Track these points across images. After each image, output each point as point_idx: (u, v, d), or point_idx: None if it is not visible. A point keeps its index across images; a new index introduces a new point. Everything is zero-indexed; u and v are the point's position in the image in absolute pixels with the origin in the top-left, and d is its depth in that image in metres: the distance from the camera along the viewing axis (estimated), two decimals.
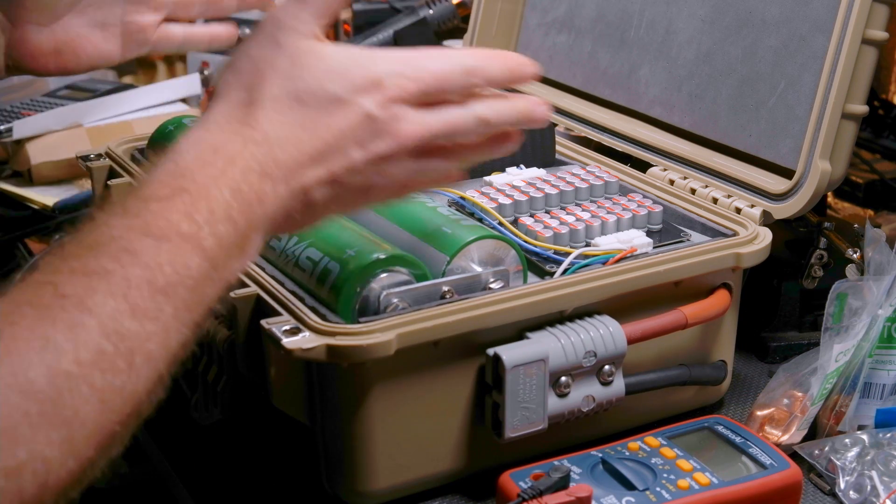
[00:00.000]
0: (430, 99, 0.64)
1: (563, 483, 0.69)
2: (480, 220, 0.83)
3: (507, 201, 0.85)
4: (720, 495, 0.70)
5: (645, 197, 0.88)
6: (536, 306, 0.74)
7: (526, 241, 0.81)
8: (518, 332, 0.74)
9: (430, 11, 1.48)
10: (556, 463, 0.72)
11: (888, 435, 0.78)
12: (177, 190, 0.57)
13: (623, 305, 0.77)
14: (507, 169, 0.92)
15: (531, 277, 0.79)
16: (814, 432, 0.82)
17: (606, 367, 0.75)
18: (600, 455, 0.73)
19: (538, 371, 0.72)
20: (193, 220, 0.57)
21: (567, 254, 0.79)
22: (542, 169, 0.93)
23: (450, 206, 0.85)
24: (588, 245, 0.82)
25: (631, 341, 0.76)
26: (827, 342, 0.81)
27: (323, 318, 0.71)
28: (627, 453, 0.74)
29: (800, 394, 0.80)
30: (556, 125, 1.00)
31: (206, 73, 1.49)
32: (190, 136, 0.61)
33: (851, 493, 0.76)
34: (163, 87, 1.43)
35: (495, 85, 0.66)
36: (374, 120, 0.62)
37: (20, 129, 1.29)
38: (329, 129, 0.62)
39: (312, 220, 0.65)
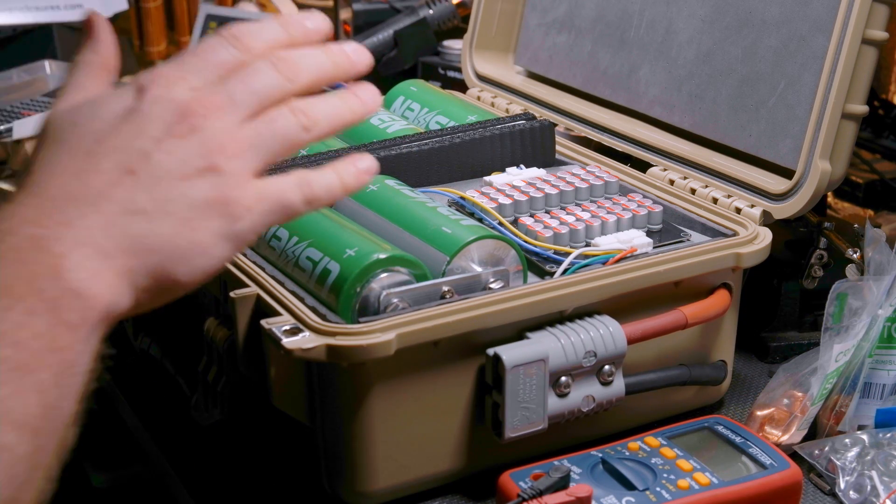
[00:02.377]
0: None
1: (563, 483, 0.69)
2: (480, 220, 0.83)
3: (507, 201, 0.85)
4: (720, 495, 0.70)
5: (645, 197, 0.88)
6: (536, 306, 0.74)
7: (526, 241, 0.81)
8: (518, 332, 0.74)
9: (430, 11, 1.48)
10: (556, 463, 0.72)
11: (888, 435, 0.78)
12: None
13: (623, 305, 0.77)
14: (507, 169, 0.92)
15: (531, 277, 0.79)
16: (814, 432, 0.82)
17: (606, 367, 0.75)
18: (600, 455, 0.73)
19: (538, 371, 0.72)
20: None
21: (567, 254, 0.79)
22: (542, 169, 0.93)
23: (450, 206, 0.85)
24: (588, 245, 0.82)
25: (631, 341, 0.76)
26: (827, 342, 0.81)
27: (323, 318, 0.71)
28: (627, 453, 0.74)
29: (800, 394, 0.80)
30: (556, 125, 1.00)
31: None
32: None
33: (851, 493, 0.76)
34: None
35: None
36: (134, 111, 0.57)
37: (20, 129, 1.29)
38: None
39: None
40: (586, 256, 0.80)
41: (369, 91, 0.63)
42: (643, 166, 0.97)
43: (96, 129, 0.57)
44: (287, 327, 0.69)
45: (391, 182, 0.85)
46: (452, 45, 1.45)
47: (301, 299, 0.74)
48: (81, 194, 0.55)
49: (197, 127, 0.57)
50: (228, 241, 0.58)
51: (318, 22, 0.63)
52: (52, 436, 0.52)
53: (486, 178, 0.91)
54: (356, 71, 0.63)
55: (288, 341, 0.68)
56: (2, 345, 0.51)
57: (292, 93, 0.61)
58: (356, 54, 0.63)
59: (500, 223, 0.83)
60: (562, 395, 0.74)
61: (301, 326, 0.70)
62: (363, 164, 0.64)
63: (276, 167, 0.61)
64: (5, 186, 1.28)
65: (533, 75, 1.16)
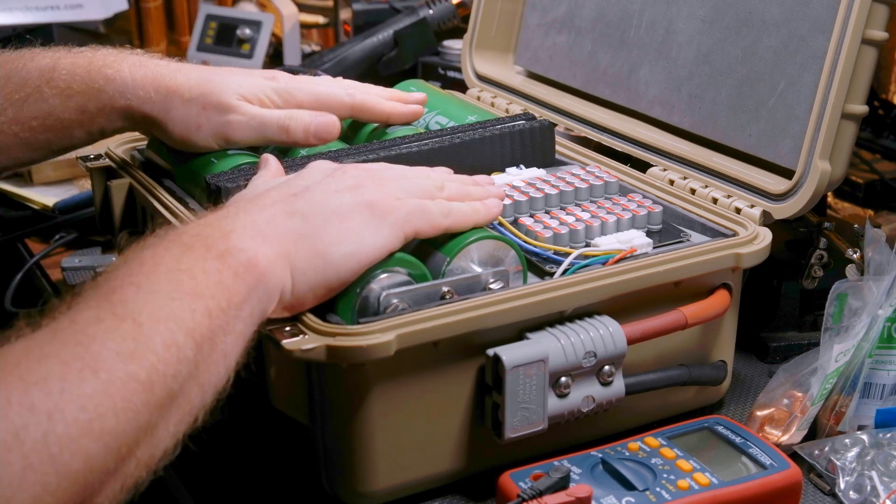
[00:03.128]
0: None
1: (563, 483, 0.69)
2: None
3: (507, 201, 0.85)
4: (720, 495, 0.70)
5: (645, 197, 0.88)
6: (536, 307, 0.74)
7: (526, 242, 0.81)
8: (518, 332, 0.74)
9: (430, 11, 1.48)
10: (556, 463, 0.72)
11: (888, 435, 0.78)
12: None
13: (623, 306, 0.77)
14: (507, 169, 0.92)
15: (531, 278, 0.79)
16: (814, 432, 0.82)
17: (606, 367, 0.75)
18: (600, 455, 0.73)
19: (538, 371, 0.72)
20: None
21: (567, 254, 0.79)
22: (541, 169, 0.93)
23: None
24: (588, 245, 0.82)
25: (631, 341, 0.76)
26: (827, 342, 0.81)
27: (323, 318, 0.71)
28: (627, 453, 0.74)
29: (800, 394, 0.80)
30: (556, 125, 1.00)
31: None
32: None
33: (851, 493, 0.76)
34: None
35: None
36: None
37: None
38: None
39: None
40: (586, 257, 0.80)
41: (496, 205, 0.79)
42: (643, 166, 0.97)
43: (266, 186, 0.76)
44: (287, 328, 0.69)
45: None
46: (452, 45, 1.45)
47: None
48: (249, 206, 0.71)
49: (347, 175, 0.75)
50: (378, 230, 0.72)
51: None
52: (213, 359, 0.62)
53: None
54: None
55: (288, 342, 0.68)
56: (181, 275, 0.62)
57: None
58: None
59: (500, 223, 0.83)
60: (562, 396, 0.74)
61: (301, 327, 0.70)
62: (493, 202, 0.79)
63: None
64: (4, 186, 1.28)
65: (533, 75, 1.16)
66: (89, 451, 0.54)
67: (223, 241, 0.66)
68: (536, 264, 0.80)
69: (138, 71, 0.90)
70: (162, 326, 0.59)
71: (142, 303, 0.60)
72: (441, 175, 0.80)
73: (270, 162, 0.82)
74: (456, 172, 0.91)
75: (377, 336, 0.69)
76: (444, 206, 0.75)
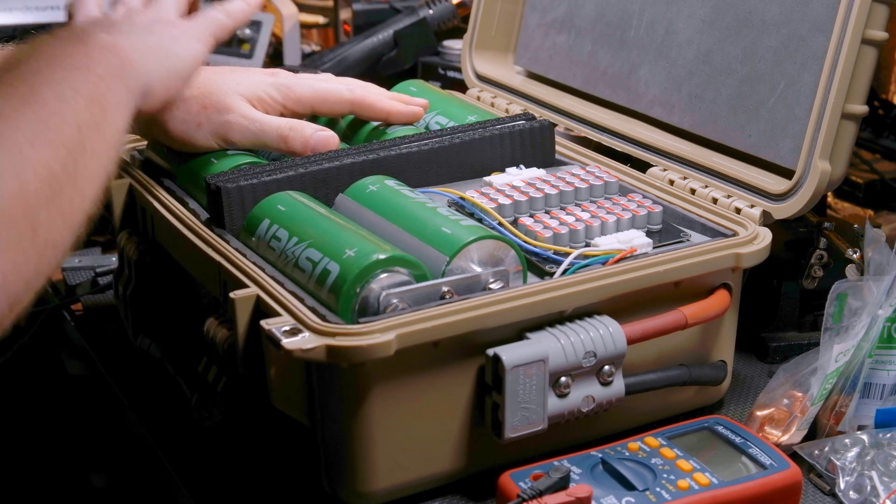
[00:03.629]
0: None
1: (562, 483, 0.69)
2: (480, 220, 0.83)
3: (507, 201, 0.85)
4: (720, 495, 0.70)
5: (645, 197, 0.88)
6: (536, 306, 0.74)
7: (526, 242, 0.81)
8: (518, 332, 0.74)
9: (430, 11, 1.48)
10: (556, 463, 0.72)
11: (888, 435, 0.78)
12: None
13: (623, 306, 0.77)
14: (507, 169, 0.92)
15: (531, 277, 0.79)
16: (814, 432, 0.82)
17: (606, 367, 0.75)
18: (600, 455, 0.73)
19: (538, 371, 0.72)
20: None
21: (567, 254, 0.79)
22: (541, 169, 0.93)
23: (450, 206, 0.85)
24: (588, 245, 0.82)
25: (631, 341, 0.76)
26: (827, 342, 0.81)
27: (323, 318, 0.71)
28: (627, 453, 0.74)
29: (800, 394, 0.80)
30: (556, 125, 1.00)
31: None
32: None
33: (851, 493, 0.76)
34: None
35: None
36: None
37: None
38: None
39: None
40: (586, 257, 0.80)
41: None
42: (643, 166, 0.97)
43: None
44: (287, 328, 0.69)
45: (391, 182, 0.85)
46: (452, 45, 1.45)
47: (301, 300, 0.74)
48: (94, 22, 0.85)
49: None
50: (195, 41, 0.85)
51: None
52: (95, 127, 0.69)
53: (486, 179, 0.91)
54: None
55: (288, 342, 0.68)
56: (40, 63, 0.68)
57: None
58: None
59: (500, 223, 0.83)
60: (562, 396, 0.74)
61: (301, 327, 0.70)
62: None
63: None
64: None
65: (533, 75, 1.16)
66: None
67: (84, 33, 0.73)
68: (536, 264, 0.80)
69: None
70: (53, 83, 0.66)
71: (33, 76, 0.66)
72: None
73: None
74: (456, 172, 0.92)
75: (377, 336, 0.69)
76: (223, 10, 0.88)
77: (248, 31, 1.59)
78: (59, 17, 1.58)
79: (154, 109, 0.80)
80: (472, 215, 0.84)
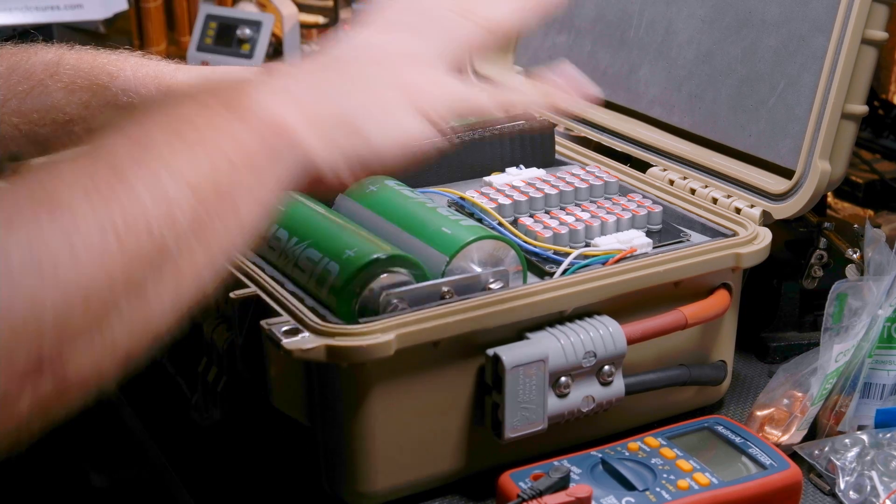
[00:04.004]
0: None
1: (562, 483, 0.69)
2: (480, 220, 0.83)
3: (507, 201, 0.85)
4: (720, 495, 0.70)
5: (645, 197, 0.88)
6: (536, 306, 0.74)
7: (525, 242, 0.81)
8: (518, 332, 0.74)
9: None
10: (555, 463, 0.72)
11: (888, 435, 0.78)
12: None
13: (623, 306, 0.77)
14: (507, 169, 0.92)
15: (531, 278, 0.79)
16: (814, 432, 0.82)
17: (606, 367, 0.75)
18: (600, 455, 0.73)
19: (538, 371, 0.72)
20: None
21: (567, 254, 0.79)
22: (541, 169, 0.93)
23: (450, 206, 0.85)
24: (588, 245, 0.82)
25: (631, 341, 0.76)
26: (827, 342, 0.81)
27: (322, 318, 0.71)
28: (627, 453, 0.74)
29: (800, 394, 0.80)
30: (555, 125, 1.00)
31: None
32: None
33: (851, 493, 0.76)
34: None
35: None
36: None
37: None
38: None
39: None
40: (586, 257, 0.80)
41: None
42: (643, 166, 0.97)
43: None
44: (287, 328, 0.69)
45: (391, 182, 0.85)
46: None
47: (301, 300, 0.74)
48: (275, 70, 0.62)
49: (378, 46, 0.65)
50: (415, 114, 0.62)
51: None
52: (220, 217, 0.54)
53: (486, 179, 0.91)
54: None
55: (288, 342, 0.68)
56: (186, 127, 0.55)
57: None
58: None
59: (500, 223, 0.83)
60: (561, 396, 0.74)
61: (301, 327, 0.70)
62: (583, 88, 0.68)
63: None
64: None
65: (533, 75, 1.16)
66: (36, 295, 0.47)
67: (243, 98, 0.57)
68: (536, 264, 0.80)
69: (140, 69, 0.90)
70: (147, 173, 0.52)
71: (129, 152, 0.53)
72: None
73: None
74: (456, 172, 0.92)
75: (377, 336, 0.69)
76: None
77: (248, 31, 1.59)
78: (59, 17, 1.58)
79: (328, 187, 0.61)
80: (472, 215, 0.84)
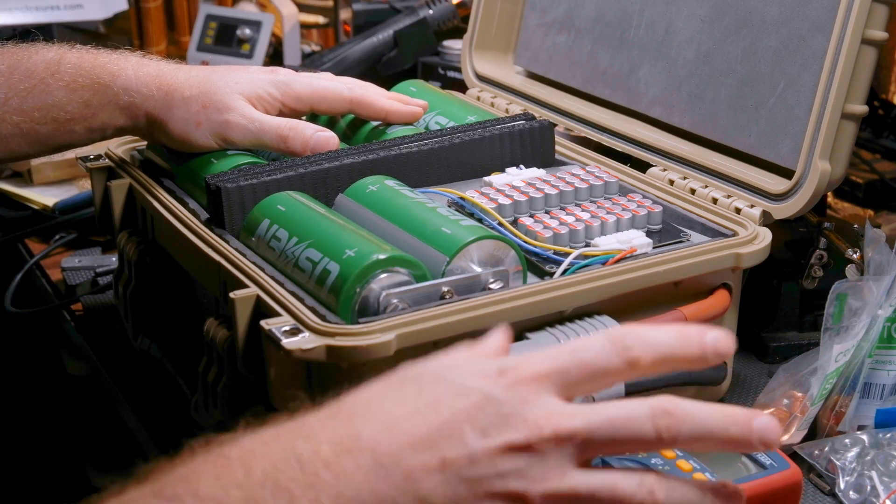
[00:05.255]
0: (574, 381, 0.54)
1: None
2: (480, 220, 0.83)
3: (507, 201, 0.85)
4: None
5: (645, 197, 0.88)
6: (536, 306, 0.74)
7: (526, 242, 0.81)
8: (518, 332, 0.74)
9: (430, 11, 1.48)
10: None
11: (888, 435, 0.78)
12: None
13: (623, 306, 0.77)
14: (507, 169, 0.92)
15: (531, 278, 0.79)
16: (814, 432, 0.82)
17: None
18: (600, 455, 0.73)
19: None
20: None
21: (567, 254, 0.79)
22: (541, 169, 0.93)
23: (450, 206, 0.85)
24: (588, 245, 0.82)
25: None
26: (827, 342, 0.81)
27: (322, 318, 0.71)
28: (627, 453, 0.74)
29: (800, 394, 0.80)
30: (555, 125, 1.00)
31: None
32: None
33: (851, 493, 0.76)
34: None
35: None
36: (496, 401, 0.51)
37: None
38: (437, 409, 0.51)
39: None
40: (586, 257, 0.80)
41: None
42: (643, 166, 0.97)
43: (435, 381, 0.54)
44: (287, 328, 0.69)
45: (391, 182, 0.85)
46: (452, 45, 1.45)
47: (301, 300, 0.73)
48: (383, 449, 0.51)
49: (535, 454, 0.52)
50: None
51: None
52: None
53: (486, 179, 0.91)
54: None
55: (288, 342, 0.68)
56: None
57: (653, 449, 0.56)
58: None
59: (500, 223, 0.83)
60: None
61: (301, 327, 0.70)
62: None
63: None
64: (4, 186, 1.28)
65: (533, 75, 1.16)
66: None
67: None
68: (536, 264, 0.80)
69: (141, 69, 0.90)
70: None
71: None
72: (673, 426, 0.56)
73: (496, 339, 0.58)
74: (456, 172, 0.92)
75: (377, 336, 0.69)
76: None
77: (248, 31, 1.59)
78: (59, 17, 1.58)
79: None
80: (472, 215, 0.84)
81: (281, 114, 0.92)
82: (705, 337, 0.56)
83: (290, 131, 0.89)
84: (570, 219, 0.83)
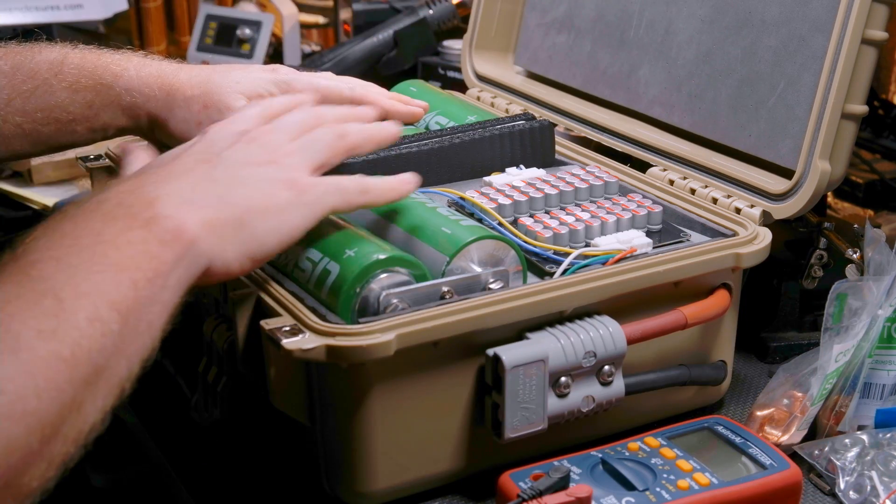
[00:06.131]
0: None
1: (562, 483, 0.69)
2: (480, 220, 0.83)
3: (507, 201, 0.85)
4: (720, 495, 0.70)
5: (645, 197, 0.88)
6: (536, 306, 0.74)
7: (526, 242, 0.81)
8: (518, 332, 0.74)
9: (430, 11, 1.48)
10: (555, 463, 0.72)
11: (888, 435, 0.78)
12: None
13: (623, 306, 0.77)
14: (507, 169, 0.92)
15: (531, 278, 0.79)
16: (814, 432, 0.82)
17: (606, 367, 0.75)
18: (600, 455, 0.73)
19: (538, 371, 0.72)
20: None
21: (567, 254, 0.79)
22: (541, 169, 0.93)
23: (450, 206, 0.85)
24: (588, 245, 0.82)
25: (631, 341, 0.76)
26: (827, 342, 0.81)
27: (323, 318, 0.71)
28: (627, 453, 0.74)
29: (800, 394, 0.80)
30: (555, 125, 1.00)
31: None
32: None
33: (851, 493, 0.76)
34: None
35: None
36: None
37: None
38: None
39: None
40: (586, 257, 0.80)
41: (393, 125, 0.81)
42: (643, 166, 0.97)
43: (172, 155, 0.74)
44: (287, 328, 0.69)
45: None
46: (452, 45, 1.45)
47: (301, 300, 0.74)
48: (168, 173, 0.69)
49: (255, 138, 0.74)
50: (300, 208, 0.71)
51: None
52: (139, 331, 0.61)
53: (486, 179, 0.91)
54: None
55: (288, 342, 0.68)
56: (105, 247, 0.61)
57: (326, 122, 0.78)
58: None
59: (500, 223, 0.83)
60: (561, 396, 0.74)
61: (301, 327, 0.70)
62: (407, 176, 0.78)
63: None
64: (4, 186, 1.28)
65: (533, 75, 1.16)
66: (10, 433, 0.53)
67: (148, 209, 0.65)
68: (536, 264, 0.80)
69: (143, 69, 0.90)
70: (85, 301, 0.58)
71: (63, 278, 0.59)
72: (336, 115, 0.80)
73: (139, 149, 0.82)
74: (456, 172, 0.92)
75: (377, 336, 0.69)
76: (361, 184, 0.75)
77: (248, 31, 1.59)
78: (59, 17, 1.58)
79: (220, 280, 0.70)
80: (472, 215, 0.84)
81: None
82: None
83: None
84: (570, 219, 0.83)
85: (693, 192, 0.91)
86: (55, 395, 0.55)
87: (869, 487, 0.75)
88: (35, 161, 1.26)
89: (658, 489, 0.70)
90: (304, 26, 1.71)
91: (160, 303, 0.63)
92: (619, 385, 0.76)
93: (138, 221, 0.64)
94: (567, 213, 0.85)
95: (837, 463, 0.77)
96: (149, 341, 0.63)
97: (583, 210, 0.85)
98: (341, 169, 0.87)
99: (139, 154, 0.81)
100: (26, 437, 0.54)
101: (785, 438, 0.80)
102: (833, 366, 0.79)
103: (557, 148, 0.98)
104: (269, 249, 0.70)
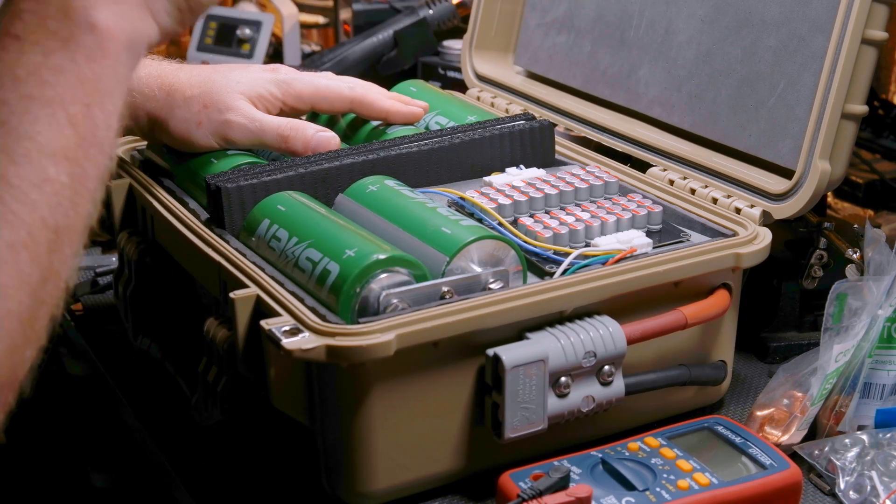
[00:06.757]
0: None
1: (562, 483, 0.69)
2: (480, 220, 0.83)
3: (507, 201, 0.85)
4: (720, 495, 0.70)
5: (645, 197, 0.88)
6: (536, 306, 0.74)
7: (526, 242, 0.81)
8: (518, 332, 0.74)
9: (430, 11, 1.48)
10: (555, 463, 0.72)
11: (888, 435, 0.78)
12: None
13: (623, 305, 0.77)
14: (507, 169, 0.92)
15: (531, 278, 0.79)
16: (814, 432, 0.82)
17: (606, 367, 0.75)
18: (600, 455, 0.73)
19: (538, 371, 0.72)
20: None
21: (567, 254, 0.79)
22: (541, 169, 0.93)
23: (450, 206, 0.85)
24: (588, 245, 0.82)
25: (631, 341, 0.76)
26: (827, 342, 0.81)
27: (323, 318, 0.71)
28: (627, 453, 0.74)
29: (800, 394, 0.80)
30: (555, 125, 1.00)
31: None
32: None
33: (851, 493, 0.76)
34: None
35: None
36: None
37: None
38: None
39: None
40: (586, 257, 0.80)
41: None
42: (643, 166, 0.97)
43: None
44: (287, 328, 0.69)
45: (391, 182, 0.85)
46: (452, 45, 1.45)
47: (301, 300, 0.74)
48: None
49: None
50: None
51: None
52: (91, 163, 0.57)
53: (486, 179, 0.91)
54: None
55: (288, 342, 0.68)
56: (28, 85, 0.55)
57: None
58: None
59: (500, 223, 0.83)
60: (561, 396, 0.74)
61: (301, 327, 0.70)
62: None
63: None
64: None
65: (533, 75, 1.16)
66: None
67: (62, 20, 0.57)
68: (536, 264, 0.80)
69: (143, 69, 0.90)
70: (27, 166, 0.54)
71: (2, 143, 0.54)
72: None
73: None
74: (456, 172, 0.92)
75: (377, 336, 0.69)
76: None
77: (248, 31, 1.59)
78: None
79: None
80: (472, 215, 0.84)
81: (282, 112, 0.92)
82: None
83: (290, 131, 0.89)
84: (570, 219, 0.83)
85: (693, 192, 0.91)
86: (24, 285, 0.53)
87: (869, 487, 0.75)
88: None
89: (658, 489, 0.70)
90: (304, 26, 1.71)
91: (107, 115, 0.59)
92: (619, 385, 0.76)
93: (57, 41, 0.57)
94: (567, 213, 0.85)
95: (837, 463, 0.77)
96: (106, 159, 0.59)
97: (583, 210, 0.85)
98: (342, 169, 0.87)
99: None
100: (9, 337, 0.53)
101: (785, 438, 0.80)
102: (833, 366, 0.79)
103: (557, 148, 0.98)
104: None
